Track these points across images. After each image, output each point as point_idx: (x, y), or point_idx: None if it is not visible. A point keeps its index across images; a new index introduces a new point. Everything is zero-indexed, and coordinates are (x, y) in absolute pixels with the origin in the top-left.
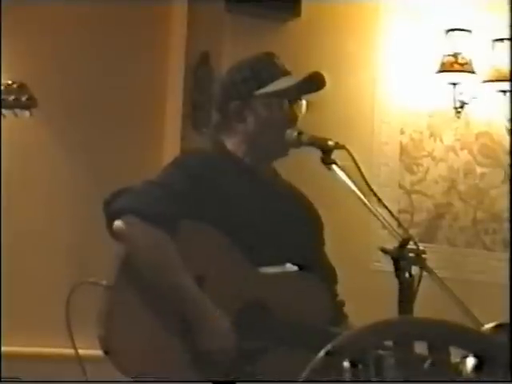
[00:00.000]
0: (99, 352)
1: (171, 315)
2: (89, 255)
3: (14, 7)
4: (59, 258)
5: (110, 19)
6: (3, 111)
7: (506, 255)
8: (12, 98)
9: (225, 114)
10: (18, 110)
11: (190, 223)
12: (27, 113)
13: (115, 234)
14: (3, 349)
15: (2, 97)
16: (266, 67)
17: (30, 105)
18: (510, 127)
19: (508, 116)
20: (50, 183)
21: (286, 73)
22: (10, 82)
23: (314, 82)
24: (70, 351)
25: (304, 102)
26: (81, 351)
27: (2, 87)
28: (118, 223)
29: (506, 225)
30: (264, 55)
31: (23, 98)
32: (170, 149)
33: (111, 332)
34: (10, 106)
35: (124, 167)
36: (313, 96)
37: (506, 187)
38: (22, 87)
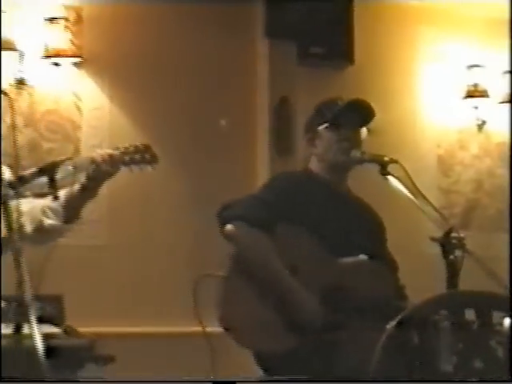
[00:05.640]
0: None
1: (271, 296)
2: (206, 254)
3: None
4: (182, 258)
5: (208, 69)
6: (133, 167)
7: None
8: (138, 156)
9: (306, 141)
10: (142, 166)
11: (286, 226)
12: (149, 167)
13: (227, 236)
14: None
15: (131, 156)
16: (327, 107)
17: (152, 161)
18: (510, 135)
19: None
20: (176, 204)
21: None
22: (138, 144)
23: (361, 112)
24: (197, 329)
25: (364, 129)
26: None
27: (132, 148)
28: (229, 227)
29: None
30: (330, 99)
31: (147, 156)
32: (262, 171)
33: (228, 312)
34: (137, 162)
35: (227, 189)
36: (371, 124)
37: None
38: (147, 148)
